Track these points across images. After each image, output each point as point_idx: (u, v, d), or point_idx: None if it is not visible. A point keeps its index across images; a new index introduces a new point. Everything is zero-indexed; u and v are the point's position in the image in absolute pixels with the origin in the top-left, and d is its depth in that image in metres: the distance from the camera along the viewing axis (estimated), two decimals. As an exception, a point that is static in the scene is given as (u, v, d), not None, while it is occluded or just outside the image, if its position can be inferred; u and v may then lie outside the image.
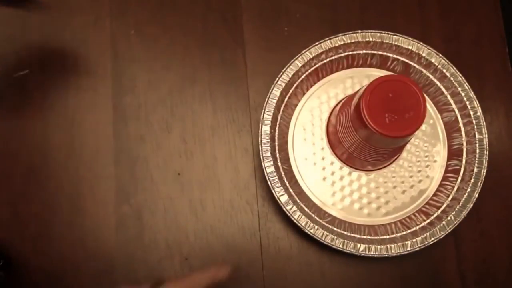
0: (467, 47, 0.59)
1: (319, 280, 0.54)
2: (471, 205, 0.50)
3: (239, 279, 0.53)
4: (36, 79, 0.58)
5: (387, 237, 0.51)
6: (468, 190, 0.51)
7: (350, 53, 0.55)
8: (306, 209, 0.51)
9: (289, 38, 0.58)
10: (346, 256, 0.51)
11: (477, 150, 0.52)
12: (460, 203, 0.51)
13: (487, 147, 0.52)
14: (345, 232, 0.51)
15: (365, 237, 0.51)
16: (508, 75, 0.58)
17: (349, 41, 0.54)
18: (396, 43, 0.54)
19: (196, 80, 0.58)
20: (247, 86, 0.57)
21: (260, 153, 0.51)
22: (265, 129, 0.52)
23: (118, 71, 0.58)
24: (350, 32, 0.54)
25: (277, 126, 0.53)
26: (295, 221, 0.50)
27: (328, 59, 0.55)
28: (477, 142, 0.52)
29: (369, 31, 0.54)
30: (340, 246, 0.49)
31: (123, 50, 0.58)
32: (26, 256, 0.54)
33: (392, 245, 0.50)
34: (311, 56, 0.53)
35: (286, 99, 0.54)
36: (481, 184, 0.51)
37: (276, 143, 0.52)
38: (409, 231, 0.51)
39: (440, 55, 0.53)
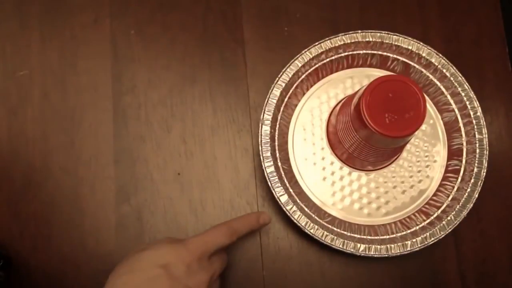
0: (467, 47, 0.59)
1: (319, 280, 0.53)
2: (471, 205, 0.50)
3: (239, 279, 0.53)
4: (36, 79, 0.58)
5: (387, 237, 0.51)
6: (468, 190, 0.51)
7: (350, 53, 0.55)
8: (306, 209, 0.51)
9: (289, 38, 0.58)
10: (346, 256, 0.51)
11: (477, 150, 0.52)
12: (460, 203, 0.51)
13: (487, 147, 0.52)
14: (345, 232, 0.51)
15: (365, 237, 0.51)
16: (508, 75, 0.58)
17: (349, 41, 0.54)
18: (396, 43, 0.54)
19: (196, 79, 0.58)
20: (247, 86, 0.57)
21: (260, 153, 0.51)
22: (265, 129, 0.52)
23: (118, 71, 0.58)
24: (350, 32, 0.54)
25: (277, 126, 0.53)
26: (295, 221, 0.50)
27: (328, 59, 0.55)
28: (477, 142, 0.52)
29: (369, 31, 0.54)
30: (340, 246, 0.49)
31: (123, 50, 0.58)
32: (26, 256, 0.54)
33: (392, 245, 0.50)
34: (311, 56, 0.53)
35: (286, 99, 0.54)
36: (481, 184, 0.51)
37: (276, 143, 0.52)
38: (409, 231, 0.51)
39: (440, 55, 0.53)
